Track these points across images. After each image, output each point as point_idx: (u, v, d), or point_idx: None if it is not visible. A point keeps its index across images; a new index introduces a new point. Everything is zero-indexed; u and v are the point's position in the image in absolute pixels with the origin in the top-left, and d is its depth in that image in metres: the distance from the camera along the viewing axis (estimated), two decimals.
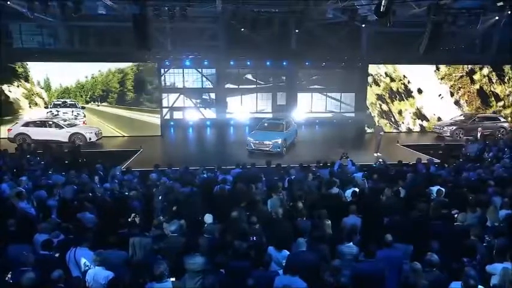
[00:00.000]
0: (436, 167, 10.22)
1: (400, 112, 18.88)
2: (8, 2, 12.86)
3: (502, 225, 5.79)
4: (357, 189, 7.35)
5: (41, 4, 12.38)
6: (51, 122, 15.24)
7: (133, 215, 5.87)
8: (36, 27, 18.18)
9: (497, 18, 15.38)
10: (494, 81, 18.82)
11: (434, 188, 7.57)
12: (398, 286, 4.51)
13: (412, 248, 5.10)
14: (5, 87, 16.61)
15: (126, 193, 7.81)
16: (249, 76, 20.58)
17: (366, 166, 10.65)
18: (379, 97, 18.61)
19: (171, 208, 6.74)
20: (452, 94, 18.90)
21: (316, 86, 21.31)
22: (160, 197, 7.37)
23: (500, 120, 17.11)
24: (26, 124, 15.17)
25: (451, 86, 18.81)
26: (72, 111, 17.16)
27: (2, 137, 15.32)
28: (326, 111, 21.61)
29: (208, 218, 5.71)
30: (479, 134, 15.35)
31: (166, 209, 6.86)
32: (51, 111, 17.07)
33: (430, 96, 18.75)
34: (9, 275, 4.35)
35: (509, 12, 13.70)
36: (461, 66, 18.60)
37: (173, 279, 4.10)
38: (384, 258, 4.69)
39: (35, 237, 5.22)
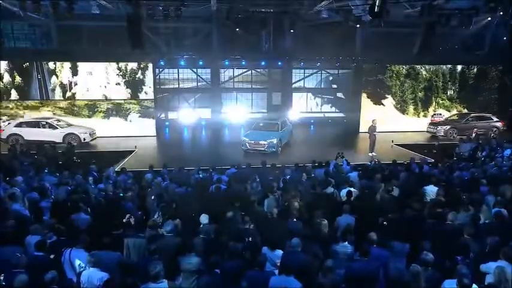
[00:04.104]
0: (430, 166, 10.30)
1: None
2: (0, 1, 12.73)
3: (492, 222, 5.84)
4: (351, 189, 7.38)
5: (33, 3, 12.26)
6: (44, 123, 15.09)
7: (128, 215, 5.83)
8: (29, 26, 18.01)
9: (489, 19, 15.57)
10: None
11: (428, 187, 7.64)
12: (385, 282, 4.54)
13: (409, 246, 5.13)
14: None
15: (121, 194, 7.77)
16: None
17: (360, 166, 10.69)
18: None
19: (166, 208, 6.71)
20: None
21: (311, 86, 21.46)
22: (153, 197, 7.35)
23: (493, 119, 17.29)
24: (19, 124, 15.00)
25: None
26: None
27: None
28: (321, 111, 21.75)
29: (204, 219, 5.71)
30: (474, 134, 15.52)
31: (162, 209, 6.83)
32: None
33: None
34: (1, 277, 4.30)
35: (501, 13, 13.86)
36: None
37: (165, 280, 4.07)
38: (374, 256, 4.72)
39: (27, 239, 5.16)
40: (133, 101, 17.44)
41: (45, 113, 16.66)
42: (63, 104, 16.95)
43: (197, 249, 4.77)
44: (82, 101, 17.06)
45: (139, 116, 17.51)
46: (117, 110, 17.35)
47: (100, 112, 17.26)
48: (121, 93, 17.36)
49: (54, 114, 16.72)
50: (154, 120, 17.64)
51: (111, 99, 17.27)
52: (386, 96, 18.86)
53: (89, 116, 17.09)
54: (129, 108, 17.48)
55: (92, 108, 17.17)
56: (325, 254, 4.98)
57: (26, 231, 5.35)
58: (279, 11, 15.55)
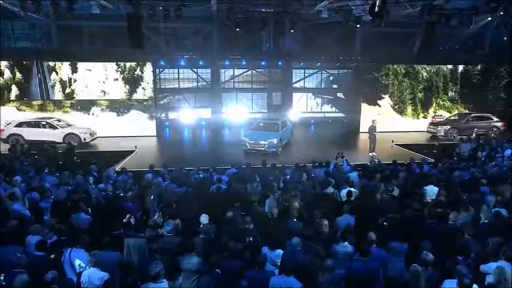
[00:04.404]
0: (430, 166, 10.30)
1: None
2: (0, 1, 12.73)
3: (492, 222, 5.84)
4: (351, 189, 7.39)
5: (33, 3, 12.27)
6: (44, 123, 15.10)
7: (128, 215, 5.83)
8: (29, 26, 18.02)
9: (489, 19, 15.57)
10: None
11: (428, 187, 7.64)
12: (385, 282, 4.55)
13: (407, 246, 5.13)
14: None
15: (121, 194, 7.77)
16: None
17: (360, 166, 10.69)
18: None
19: (166, 208, 6.72)
20: None
21: (311, 86, 21.47)
22: (152, 197, 7.35)
23: (493, 119, 17.30)
24: (19, 124, 15.00)
25: None
26: None
27: None
28: (321, 111, 21.76)
29: (203, 219, 5.71)
30: (474, 134, 15.52)
31: (162, 209, 6.83)
32: None
33: None
34: (1, 277, 4.30)
35: (501, 13, 13.86)
36: None
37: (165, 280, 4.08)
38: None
39: (27, 239, 5.17)
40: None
41: (10, 108, 16.64)
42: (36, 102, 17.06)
43: (197, 249, 4.78)
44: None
45: (102, 110, 17.48)
46: (82, 105, 17.29)
47: (65, 107, 17.29)
48: (119, 89, 17.43)
49: (18, 110, 16.77)
50: (116, 114, 17.59)
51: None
52: (383, 96, 18.61)
53: (52, 111, 17.10)
54: (99, 104, 17.54)
55: (57, 103, 17.18)
56: (325, 253, 4.98)
57: (27, 231, 5.36)
58: (279, 11, 15.55)
